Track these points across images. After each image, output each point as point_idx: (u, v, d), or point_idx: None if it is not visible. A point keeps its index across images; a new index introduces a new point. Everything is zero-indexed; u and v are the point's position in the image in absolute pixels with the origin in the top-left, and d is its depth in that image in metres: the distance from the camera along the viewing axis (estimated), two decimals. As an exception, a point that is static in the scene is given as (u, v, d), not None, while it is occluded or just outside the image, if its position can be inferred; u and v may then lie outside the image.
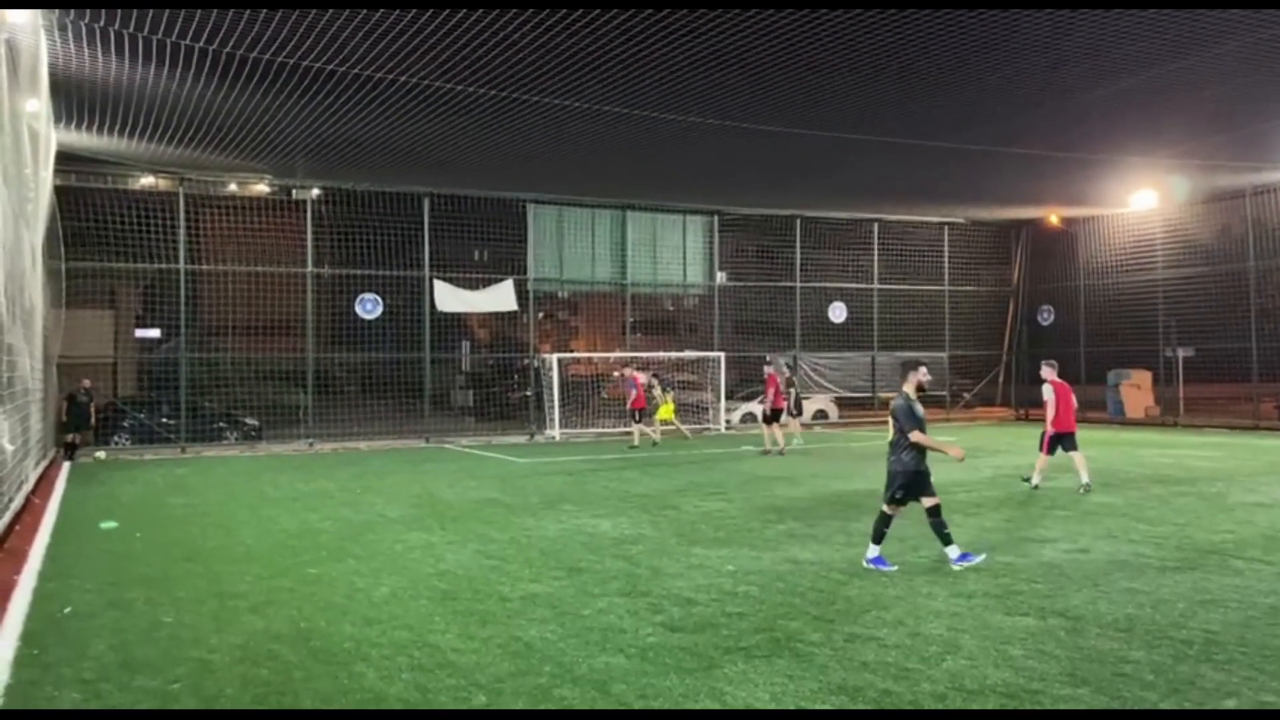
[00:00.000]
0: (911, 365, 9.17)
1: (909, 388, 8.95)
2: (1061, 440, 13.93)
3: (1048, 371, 14.40)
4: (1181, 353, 27.57)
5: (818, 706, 5.22)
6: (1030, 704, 5.21)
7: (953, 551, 8.79)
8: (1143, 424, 27.62)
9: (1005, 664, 5.90)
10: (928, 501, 8.80)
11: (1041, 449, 14.26)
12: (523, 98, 15.30)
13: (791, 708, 5.20)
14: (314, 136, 17.76)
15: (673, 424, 24.56)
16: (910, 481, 8.75)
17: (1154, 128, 18.68)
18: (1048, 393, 14.10)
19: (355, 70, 13.71)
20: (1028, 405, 31.72)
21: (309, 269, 23.46)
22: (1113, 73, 14.88)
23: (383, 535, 10.72)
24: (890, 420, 8.95)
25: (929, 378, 9.18)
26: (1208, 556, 9.07)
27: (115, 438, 22.09)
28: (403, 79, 14.16)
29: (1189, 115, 17.77)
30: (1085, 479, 13.60)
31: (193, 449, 22.13)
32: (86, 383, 21.13)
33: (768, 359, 25.42)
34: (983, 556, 8.85)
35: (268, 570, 8.86)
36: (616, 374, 24.76)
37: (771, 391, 20.46)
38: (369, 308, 24.02)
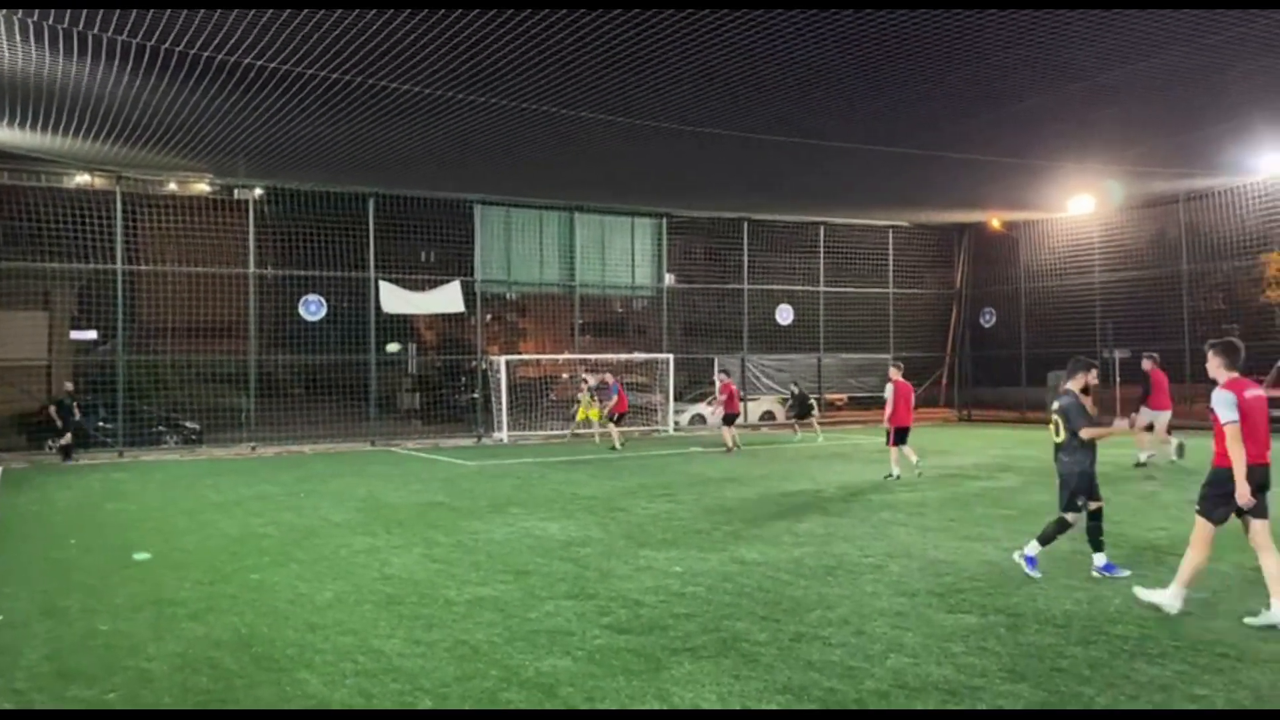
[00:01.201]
0: (1081, 364, 8.62)
1: (1075, 385, 8.53)
2: (900, 434, 15.48)
3: (893, 373, 15.96)
4: (1118, 354, 28.20)
5: (763, 706, 5.25)
6: (970, 700, 5.29)
7: (1099, 559, 8.43)
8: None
9: (947, 661, 6.00)
10: (1093, 505, 8.44)
11: (889, 444, 15.58)
12: (468, 98, 15.21)
13: (737, 708, 5.23)
14: (256, 135, 17.47)
15: (593, 427, 24.89)
16: (1082, 483, 8.30)
17: (1091, 134, 19.10)
18: (889, 391, 15.63)
19: (298, 69, 13.52)
20: (970, 406, 32.30)
21: (251, 270, 23.08)
22: (1052, 80, 15.18)
23: (327, 540, 10.58)
24: (1056, 421, 8.51)
25: (1096, 380, 8.74)
26: (1142, 553, 9.29)
27: (50, 442, 21.53)
28: (346, 78, 14.00)
29: (1125, 123, 18.20)
30: (896, 471, 15.41)
31: (131, 453, 21.65)
32: (69, 386, 21.00)
33: (722, 367, 25.64)
34: (1127, 572, 8.29)
35: (208, 576, 8.70)
36: (591, 379, 24.81)
37: (724, 397, 21.99)
38: (313, 309, 23.70)
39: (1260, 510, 6.87)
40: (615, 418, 22.95)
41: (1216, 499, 6.96)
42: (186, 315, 22.84)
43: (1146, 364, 17.61)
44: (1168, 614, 6.99)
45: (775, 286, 30.16)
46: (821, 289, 30.61)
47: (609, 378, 23.92)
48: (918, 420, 30.93)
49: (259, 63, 13.14)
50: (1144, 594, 7.26)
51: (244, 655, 6.27)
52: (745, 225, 29.17)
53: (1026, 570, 8.37)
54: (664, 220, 28.49)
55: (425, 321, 32.76)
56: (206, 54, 12.73)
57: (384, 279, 24.56)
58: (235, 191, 23.87)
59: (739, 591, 7.88)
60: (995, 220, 30.99)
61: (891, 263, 31.71)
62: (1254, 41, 13.51)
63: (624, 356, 29.37)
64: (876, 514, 11.94)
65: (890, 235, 31.59)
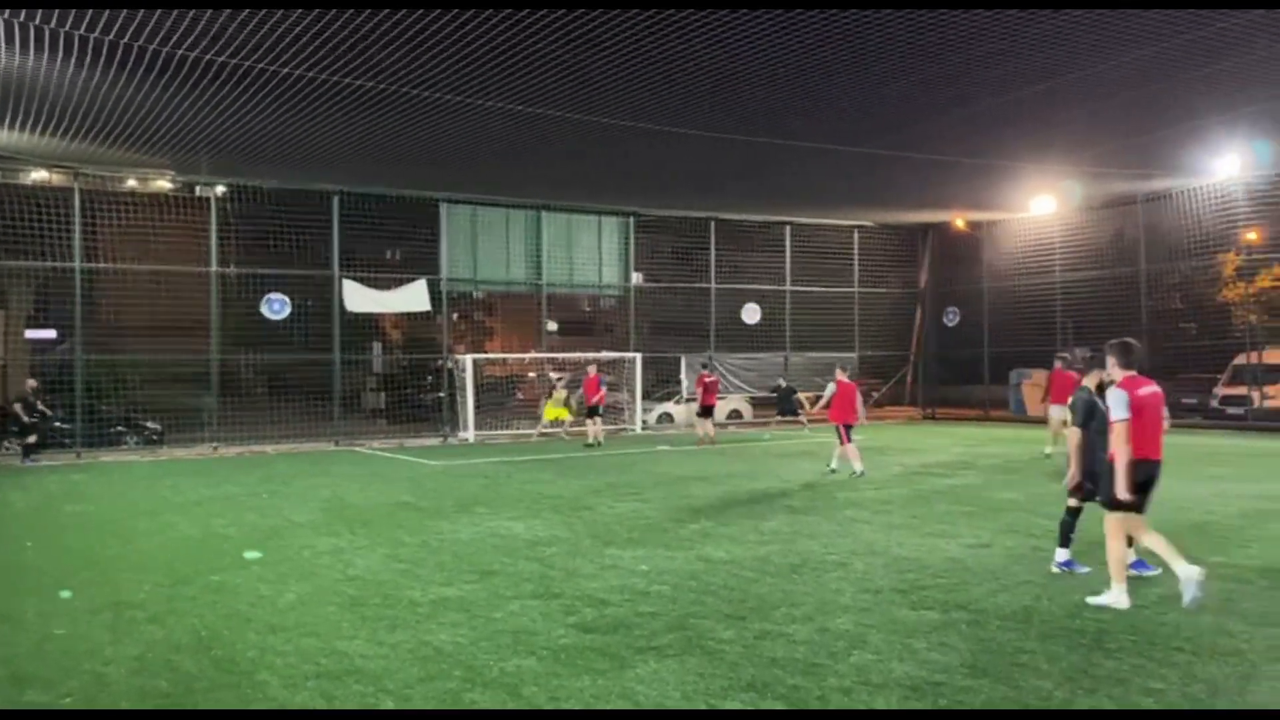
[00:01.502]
0: (1098, 361, 8.35)
1: (1090, 382, 8.44)
2: (847, 430, 16.06)
3: (839, 374, 16.58)
4: (1078, 353, 28.56)
5: (727, 704, 5.27)
6: (933, 696, 5.34)
7: (1061, 554, 8.43)
8: (1043, 421, 28.48)
9: (909, 657, 6.05)
10: (1075, 501, 8.42)
11: (842, 441, 16.10)
12: (435, 96, 15.12)
13: (702, 706, 5.24)
14: (219, 132, 17.26)
15: (562, 424, 25.13)
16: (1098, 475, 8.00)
17: (1052, 135, 19.33)
18: (829, 390, 16.47)
19: (261, 65, 13.38)
20: (935, 404, 32.59)
21: (213, 268, 22.80)
22: (1013, 81, 15.35)
23: (290, 540, 10.48)
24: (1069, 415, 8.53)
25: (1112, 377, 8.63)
26: (1101, 549, 9.36)
27: (6, 444, 21.15)
28: (310, 75, 13.86)
29: (1085, 124, 18.45)
30: (835, 465, 16.30)
31: (89, 454, 21.30)
32: (33, 383, 20.65)
33: (702, 361, 25.72)
34: (1088, 569, 8.30)
35: (168, 578, 8.58)
36: (553, 376, 24.89)
37: (700, 390, 22.96)
38: (276, 308, 23.44)
39: (1140, 504, 7.29)
40: (591, 411, 23.17)
41: (1125, 489, 7.27)
42: (147, 314, 22.50)
43: (1057, 364, 18.96)
44: (1121, 610, 7.11)
45: (742, 286, 30.26)
46: (788, 288, 30.74)
47: (592, 370, 23.97)
48: (883, 418, 31.55)
49: (220, 59, 12.99)
50: (1093, 600, 7.34)
51: (204, 658, 6.20)
52: (712, 224, 29.23)
53: (1075, 571, 8.28)
54: (631, 219, 28.49)
55: (391, 320, 32.56)
56: (166, 49, 12.56)
57: (349, 277, 24.35)
58: (197, 189, 23.53)
59: (704, 590, 7.90)
60: (959, 220, 31.29)
61: (857, 262, 31.91)
62: (1209, 45, 13.74)
63: (591, 355, 29.33)
64: (842, 511, 12.02)
65: (856, 235, 31.79)
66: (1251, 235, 25.91)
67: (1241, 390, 25.55)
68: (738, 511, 12.15)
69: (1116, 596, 7.23)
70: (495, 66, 13.72)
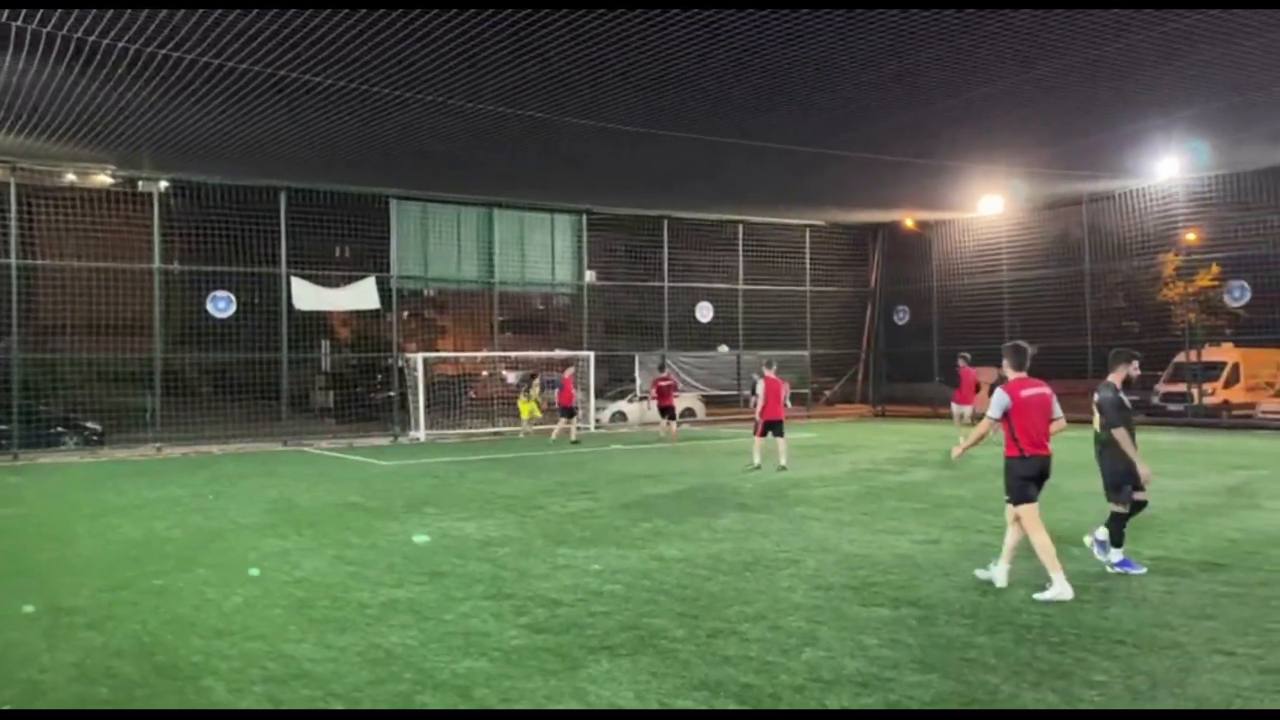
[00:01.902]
0: (1123, 356, 8.50)
1: (1115, 378, 8.43)
2: (771, 427, 16.49)
3: (766, 371, 17.02)
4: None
5: (679, 703, 5.27)
6: (883, 692, 5.38)
7: (1116, 555, 8.31)
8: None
9: (860, 654, 6.09)
10: (1139, 496, 8.30)
11: (757, 435, 16.62)
12: (383, 92, 14.95)
13: (655, 706, 5.23)
14: (161, 126, 16.90)
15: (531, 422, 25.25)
16: (1127, 474, 8.20)
17: (999, 137, 19.63)
18: (759, 388, 16.78)
19: (204, 59, 13.11)
20: (885, 402, 32.95)
21: (156, 265, 22.34)
22: (959, 84, 15.55)
23: (235, 543, 10.30)
24: (1095, 413, 8.44)
25: (1138, 372, 8.64)
26: (1071, 547, 9.54)
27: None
28: (255, 69, 13.62)
29: (1032, 126, 18.75)
30: (784, 461, 16.37)
31: (27, 455, 20.75)
32: None
33: (660, 365, 25.76)
34: (1144, 569, 8.25)
35: (108, 583, 8.38)
36: (511, 376, 24.88)
37: (655, 393, 23.53)
38: (222, 306, 23.03)
39: (1033, 496, 7.69)
40: (564, 411, 23.62)
41: (1017, 484, 7.72)
42: (87, 312, 21.94)
43: (960, 362, 20.99)
44: (1065, 600, 7.26)
45: (695, 284, 30.34)
46: (740, 287, 30.88)
47: (570, 372, 24.41)
48: (834, 415, 31.86)
49: (162, 51, 12.70)
50: (1039, 596, 7.43)
51: (145, 664, 6.06)
52: (665, 223, 29.27)
53: (1131, 572, 8.14)
54: (584, 217, 28.42)
55: (339, 318, 32.15)
56: (106, 41, 12.26)
57: (296, 275, 24.00)
58: (139, 184, 23.04)
59: (657, 589, 7.90)
60: (908, 220, 31.65)
61: (808, 261, 32.15)
62: (1151, 49, 14.03)
63: (544, 354, 29.24)
64: (793, 509, 12.09)
65: (807, 234, 32.01)
66: (1190, 236, 26.51)
67: (1181, 388, 26.16)
68: (690, 510, 12.16)
69: (1059, 589, 7.37)
70: (444, 63, 13.59)
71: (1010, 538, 7.85)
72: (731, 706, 5.21)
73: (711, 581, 8.16)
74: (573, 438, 23.24)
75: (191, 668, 5.97)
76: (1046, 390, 7.80)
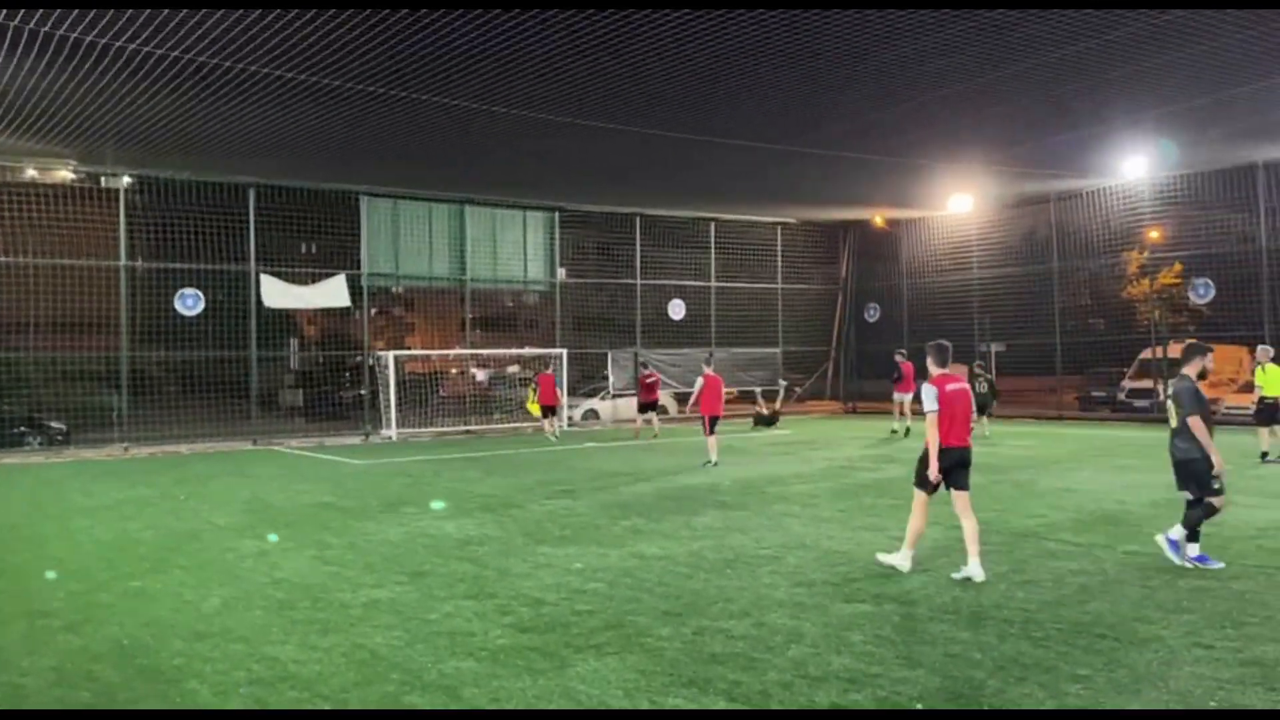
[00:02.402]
0: (1197, 350, 8.60)
1: (1191, 370, 8.51)
2: (712, 423, 17.02)
3: (705, 368, 17.79)
4: (994, 348, 29.39)
5: (670, 700, 5.27)
6: (871, 687, 5.42)
7: (1193, 549, 8.26)
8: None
9: (846, 650, 6.13)
10: (1197, 493, 8.30)
11: (706, 432, 17.09)
12: (354, 88, 14.81)
13: (645, 704, 5.23)
14: (124, 121, 16.62)
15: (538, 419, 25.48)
16: (1195, 469, 8.26)
17: (968, 135, 19.81)
18: (698, 384, 17.42)
19: (167, 52, 12.88)
20: (855, 398, 33.15)
21: (122, 262, 22.02)
22: (931, 82, 15.68)
23: (210, 543, 10.18)
24: (1172, 406, 8.50)
25: (1213, 364, 8.65)
26: (1023, 540, 9.68)
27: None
28: (220, 63, 13.41)
29: (1000, 125, 18.94)
30: (714, 459, 16.80)
31: (-10, 456, 20.42)
32: None
33: (643, 362, 25.78)
34: (1221, 564, 8.25)
35: (83, 585, 8.26)
36: (480, 374, 24.85)
37: (642, 389, 24.26)
38: (190, 303, 22.74)
39: (961, 483, 8.21)
40: (546, 410, 23.88)
41: (925, 474, 8.24)
42: (52, 309, 21.58)
43: (898, 357, 23.21)
44: (901, 571, 8.12)
45: (667, 281, 30.36)
46: (713, 284, 30.95)
47: (549, 372, 24.51)
48: (806, 412, 32.01)
49: (119, 43, 12.44)
50: (883, 558, 8.28)
51: (127, 667, 5.98)
52: (637, 220, 29.27)
53: (1207, 567, 8.10)
54: (556, 214, 28.34)
55: (307, 316, 31.88)
56: (60, 33, 11.99)
57: (265, 272, 23.74)
58: (103, 180, 22.69)
59: (640, 587, 7.90)
60: (878, 218, 31.86)
61: (780, 259, 32.29)
62: (1116, 49, 14.21)
63: (515, 351, 29.15)
64: (771, 506, 12.13)
65: (778, 232, 32.15)
66: (1154, 234, 26.90)
67: (1147, 383, 26.53)
68: (668, 508, 12.18)
69: (901, 561, 8.26)
70: (413, 59, 13.49)
71: (967, 529, 8.15)
72: (721, 704, 5.22)
73: (693, 579, 8.17)
74: (551, 433, 23.40)
75: (174, 670, 5.90)
76: (967, 386, 8.35)
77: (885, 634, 6.46)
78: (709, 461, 16.78)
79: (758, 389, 29.34)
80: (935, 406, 8.07)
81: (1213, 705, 5.06)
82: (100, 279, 21.94)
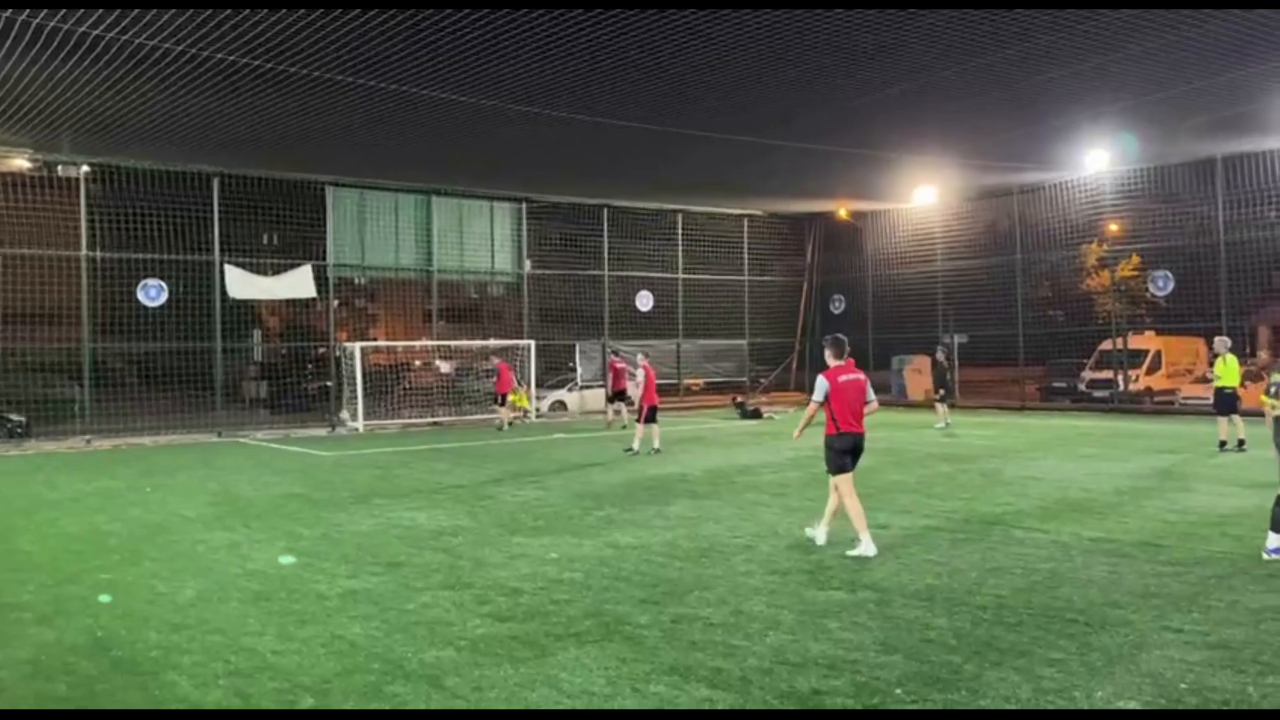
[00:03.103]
0: None
1: None
2: (652, 412, 17.45)
3: (641, 359, 18.42)
4: (957, 339, 29.73)
5: (652, 687, 5.31)
6: (850, 674, 5.49)
7: (1272, 540, 8.04)
8: (924, 406, 29.55)
9: (824, 636, 6.20)
10: None
11: (639, 420, 17.56)
12: (320, 75, 14.65)
13: (628, 691, 5.27)
14: (82, 109, 16.32)
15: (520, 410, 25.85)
16: None
17: (932, 129, 20.00)
18: (641, 377, 17.74)
19: (126, 39, 12.65)
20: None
21: (83, 252, 21.66)
22: (895, 76, 15.82)
23: (181, 535, 10.08)
24: (1275, 399, 8.52)
25: None
26: (992, 528, 9.83)
27: None
28: (181, 49, 13.19)
29: (964, 118, 19.13)
30: (657, 445, 17.44)
31: (-53, 449, 20.02)
32: None
33: (614, 350, 25.72)
34: None
35: (53, 578, 8.15)
36: (444, 365, 24.73)
37: (611, 376, 24.34)
38: (153, 294, 22.42)
39: (849, 466, 8.83)
40: (500, 399, 24.01)
41: (835, 457, 8.82)
42: (10, 300, 21.19)
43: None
44: (869, 557, 8.40)
45: (635, 273, 30.38)
46: (680, 276, 31.02)
47: (495, 360, 24.69)
48: (771, 403, 32.16)
49: (67, 27, 12.19)
50: (850, 552, 8.54)
51: (103, 659, 5.92)
52: (605, 212, 29.25)
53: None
54: (524, 205, 28.25)
55: (269, 307, 31.47)
56: (7, 14, 11.70)
57: (230, 263, 23.46)
58: (60, 169, 22.28)
59: (616, 575, 7.94)
60: (843, 210, 32.08)
61: (746, 251, 32.42)
62: (1077, 44, 14.42)
63: (481, 343, 29.03)
64: (742, 495, 12.22)
65: (745, 224, 32.27)
66: (1113, 227, 27.34)
67: (1107, 374, 26.97)
68: (641, 497, 12.22)
69: (865, 547, 8.51)
70: (378, 46, 13.37)
71: (831, 504, 8.97)
72: (703, 690, 5.27)
73: (669, 568, 8.22)
74: (503, 424, 23.46)
75: (151, 662, 5.85)
76: (861, 376, 8.95)
77: (861, 620, 6.55)
78: (654, 449, 17.31)
79: (746, 381, 29.56)
80: (821, 398, 8.76)
81: (1183, 687, 5.18)
82: (61, 269, 21.58)
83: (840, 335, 9.18)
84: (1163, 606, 6.73)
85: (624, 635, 6.28)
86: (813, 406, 8.86)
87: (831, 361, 8.93)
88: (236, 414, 25.14)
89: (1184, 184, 24.86)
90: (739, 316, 32.31)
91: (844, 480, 8.78)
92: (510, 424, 24.86)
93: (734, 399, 28.13)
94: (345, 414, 24.59)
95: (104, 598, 6.28)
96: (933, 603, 6.99)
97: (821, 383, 8.76)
